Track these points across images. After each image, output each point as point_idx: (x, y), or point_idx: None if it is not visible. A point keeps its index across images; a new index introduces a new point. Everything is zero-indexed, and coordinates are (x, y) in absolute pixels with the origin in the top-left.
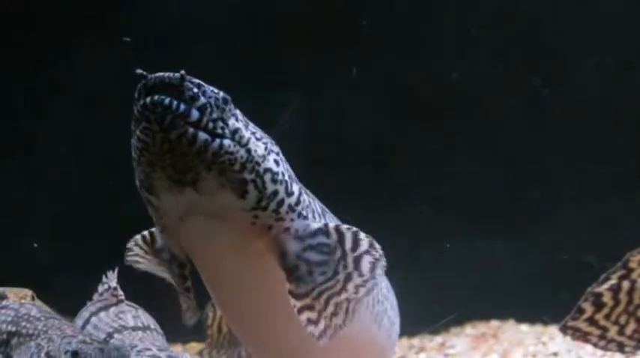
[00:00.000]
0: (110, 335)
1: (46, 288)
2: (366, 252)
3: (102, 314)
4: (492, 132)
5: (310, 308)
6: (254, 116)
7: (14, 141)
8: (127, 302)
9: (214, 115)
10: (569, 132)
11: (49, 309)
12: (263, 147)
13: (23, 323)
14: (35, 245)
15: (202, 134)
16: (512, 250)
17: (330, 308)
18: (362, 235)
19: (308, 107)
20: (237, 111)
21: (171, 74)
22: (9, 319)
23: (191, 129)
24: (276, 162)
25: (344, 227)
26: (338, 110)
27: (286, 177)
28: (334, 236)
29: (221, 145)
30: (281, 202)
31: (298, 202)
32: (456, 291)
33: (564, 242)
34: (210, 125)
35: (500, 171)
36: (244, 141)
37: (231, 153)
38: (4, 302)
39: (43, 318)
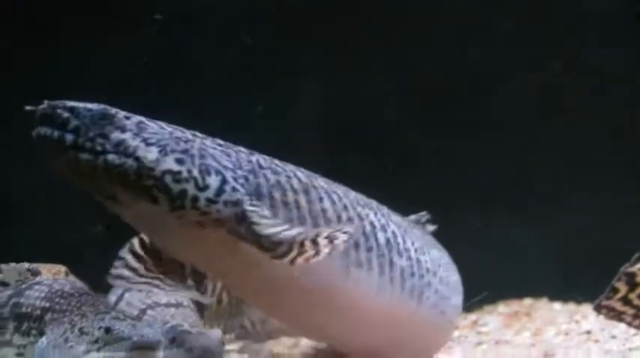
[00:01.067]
0: (143, 312)
1: (79, 264)
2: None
3: (135, 290)
4: (516, 115)
5: (301, 253)
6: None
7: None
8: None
9: (91, 134)
10: (592, 115)
11: (82, 285)
12: (156, 151)
13: (57, 299)
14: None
15: (83, 155)
16: (545, 229)
17: (324, 242)
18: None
19: (327, 95)
20: (129, 121)
21: (44, 105)
22: (42, 295)
23: (71, 152)
24: (179, 161)
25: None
26: (356, 97)
27: (195, 173)
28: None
29: (105, 161)
30: (195, 199)
31: (220, 192)
32: (489, 270)
33: (598, 221)
34: (88, 144)
35: (533, 151)
36: (130, 150)
37: (120, 165)
38: (38, 278)
39: (76, 294)
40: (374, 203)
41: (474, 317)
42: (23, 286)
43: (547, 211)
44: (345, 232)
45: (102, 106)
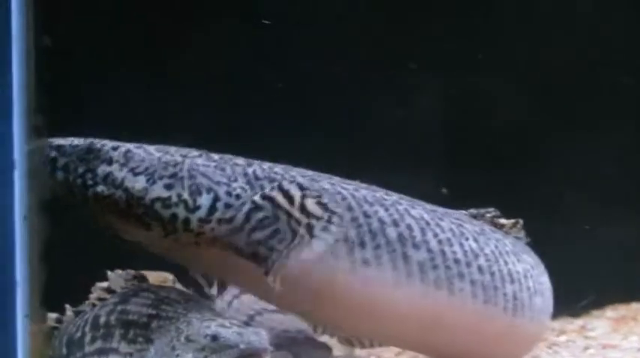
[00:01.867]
0: (251, 318)
1: (186, 273)
2: (303, 197)
3: (244, 296)
4: (635, 114)
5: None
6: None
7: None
8: None
9: (80, 170)
10: None
11: (189, 292)
12: (144, 180)
13: (163, 306)
14: None
15: (75, 189)
16: None
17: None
18: (286, 185)
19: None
20: (115, 153)
21: (30, 146)
22: (149, 302)
23: (65, 188)
24: (168, 186)
25: (268, 191)
26: (476, 93)
27: (185, 196)
28: (267, 205)
29: (95, 193)
30: (187, 221)
31: (213, 210)
32: (595, 273)
33: None
34: (79, 180)
35: (632, 149)
36: (118, 182)
37: (109, 196)
38: (144, 285)
39: (182, 301)
40: (393, 197)
41: (582, 321)
42: (129, 293)
43: None
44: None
45: (88, 141)
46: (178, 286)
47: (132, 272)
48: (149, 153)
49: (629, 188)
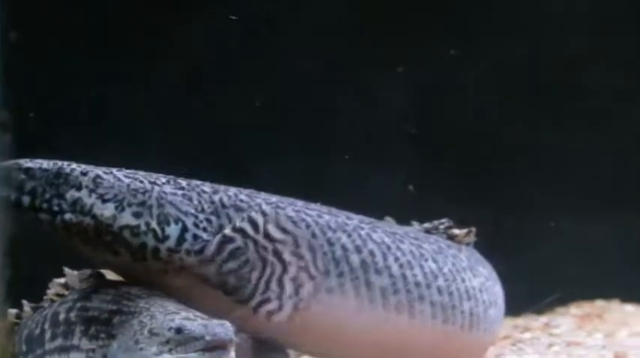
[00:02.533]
0: None
1: None
2: (266, 221)
3: None
4: (602, 111)
5: (266, 301)
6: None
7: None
8: None
9: (47, 195)
10: None
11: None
12: (113, 207)
13: (124, 302)
14: None
15: (41, 215)
16: (617, 230)
17: (289, 287)
18: (254, 215)
19: (412, 84)
20: (85, 178)
21: (1, 166)
22: (109, 298)
23: (30, 214)
24: (136, 214)
25: (238, 224)
26: (443, 88)
27: (153, 225)
28: (237, 237)
29: (63, 220)
30: (156, 250)
31: (181, 241)
32: (560, 271)
33: None
34: (45, 205)
35: (609, 151)
36: (87, 208)
37: (77, 223)
38: (103, 281)
39: (144, 296)
40: (354, 222)
41: (546, 319)
42: (89, 289)
43: (618, 214)
44: (311, 276)
45: (57, 164)
46: None
47: (88, 271)
48: (118, 179)
49: (596, 186)
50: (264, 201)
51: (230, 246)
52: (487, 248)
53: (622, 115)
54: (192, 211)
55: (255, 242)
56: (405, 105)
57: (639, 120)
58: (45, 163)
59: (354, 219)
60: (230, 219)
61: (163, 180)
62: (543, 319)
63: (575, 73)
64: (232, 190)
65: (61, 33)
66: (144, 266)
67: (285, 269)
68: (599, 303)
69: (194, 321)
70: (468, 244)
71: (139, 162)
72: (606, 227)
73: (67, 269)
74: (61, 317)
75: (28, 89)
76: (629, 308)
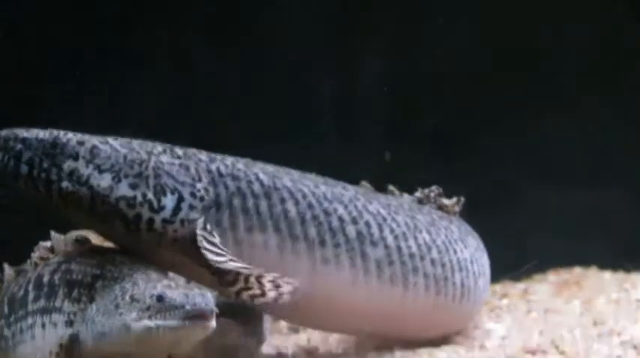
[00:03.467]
0: None
1: None
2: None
3: None
4: (575, 82)
5: (247, 288)
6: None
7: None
8: None
9: (45, 165)
10: None
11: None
12: (109, 178)
13: (108, 267)
14: None
15: (39, 184)
16: (594, 197)
17: (269, 285)
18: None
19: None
20: (82, 148)
21: None
22: (94, 262)
23: (28, 183)
24: (133, 185)
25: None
26: (419, 55)
27: (149, 196)
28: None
29: (59, 189)
30: (150, 221)
31: (177, 211)
32: (538, 239)
33: None
34: (43, 175)
35: (585, 120)
36: (83, 179)
37: (73, 193)
38: (89, 246)
39: (128, 262)
40: (349, 193)
41: (524, 285)
42: (74, 253)
43: (596, 182)
44: (289, 283)
45: (54, 134)
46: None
47: (74, 235)
48: (115, 149)
49: (574, 156)
50: (261, 171)
51: (213, 238)
52: (464, 216)
53: (592, 88)
54: (189, 181)
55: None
56: (381, 76)
57: (609, 91)
58: (41, 133)
59: (350, 190)
60: (227, 188)
61: (160, 149)
62: (521, 286)
63: (545, 45)
64: (229, 159)
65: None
66: (137, 237)
67: (262, 273)
68: (577, 270)
69: (175, 290)
70: (455, 214)
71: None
72: (584, 194)
73: (53, 233)
74: (45, 279)
75: None
76: (607, 275)
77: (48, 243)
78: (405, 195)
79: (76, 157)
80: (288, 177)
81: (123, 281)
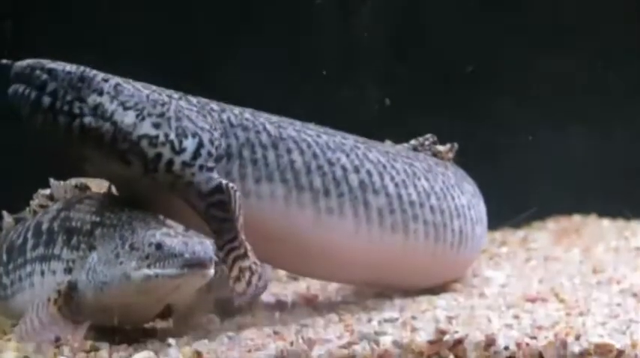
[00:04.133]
0: None
1: None
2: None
3: None
4: (575, 26)
5: (224, 262)
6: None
7: None
8: None
9: (69, 97)
10: None
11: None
12: (133, 115)
13: (107, 214)
14: None
15: (60, 117)
16: (594, 145)
17: (235, 272)
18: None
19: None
20: (106, 84)
21: (22, 64)
22: (93, 209)
23: (48, 114)
24: (156, 125)
25: (230, 185)
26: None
27: (172, 136)
28: (230, 193)
29: (81, 123)
30: (170, 162)
31: (197, 155)
32: (537, 186)
33: None
34: (66, 107)
35: (584, 63)
36: (108, 114)
37: (95, 128)
38: (88, 193)
39: (127, 210)
40: (349, 141)
41: (523, 233)
42: (73, 200)
43: (596, 128)
44: (249, 283)
45: (81, 68)
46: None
47: (74, 181)
48: (137, 88)
49: (574, 101)
50: (267, 121)
51: (222, 196)
52: (462, 163)
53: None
54: (207, 127)
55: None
56: (380, 21)
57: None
58: (68, 66)
59: (350, 139)
60: (237, 138)
61: (176, 95)
62: (520, 234)
63: None
64: (237, 109)
65: None
66: (153, 178)
67: (243, 259)
68: (577, 218)
69: (174, 238)
70: (449, 160)
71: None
72: (584, 141)
73: (52, 180)
74: (44, 226)
75: None
76: (606, 223)
77: (47, 191)
78: (388, 143)
79: (100, 92)
80: (292, 127)
81: (122, 229)
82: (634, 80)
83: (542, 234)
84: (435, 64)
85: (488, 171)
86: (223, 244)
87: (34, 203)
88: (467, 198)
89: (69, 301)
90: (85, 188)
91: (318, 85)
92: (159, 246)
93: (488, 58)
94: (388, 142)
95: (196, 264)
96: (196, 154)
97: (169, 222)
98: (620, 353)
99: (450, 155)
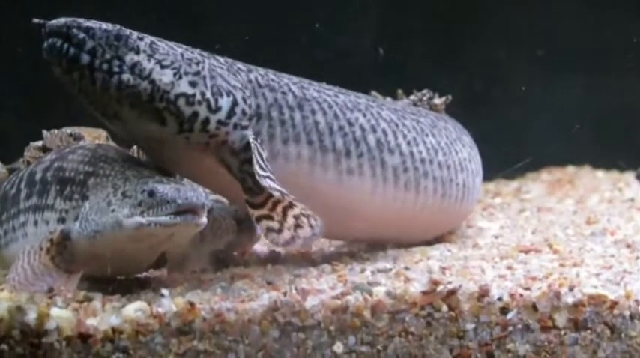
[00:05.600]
0: None
1: None
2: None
3: None
4: None
5: (268, 218)
6: None
7: None
8: None
9: (107, 56)
10: None
11: (125, 151)
12: (171, 74)
13: (100, 164)
14: None
15: (98, 74)
16: (588, 95)
17: (291, 221)
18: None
19: None
20: (142, 42)
21: (59, 22)
22: (86, 159)
23: (87, 72)
24: (192, 83)
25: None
26: None
27: (208, 95)
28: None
29: (120, 81)
30: (206, 121)
31: (231, 114)
32: (531, 136)
33: None
34: (105, 66)
35: (575, 11)
36: (146, 73)
37: (133, 86)
38: (81, 143)
39: (120, 159)
40: (362, 100)
41: (517, 184)
42: (67, 150)
43: (589, 78)
44: (312, 226)
45: (117, 27)
46: (112, 143)
47: (68, 129)
48: (171, 47)
49: (568, 51)
50: (290, 81)
51: (252, 152)
52: (457, 113)
53: None
54: (240, 86)
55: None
56: None
57: None
58: (104, 24)
59: (362, 97)
60: (266, 99)
61: (205, 54)
62: (514, 184)
63: None
64: (261, 69)
65: None
66: (186, 137)
67: (291, 207)
68: (570, 169)
69: (167, 185)
70: (441, 111)
71: None
72: (578, 90)
73: (45, 132)
74: (38, 176)
75: None
76: (600, 174)
77: (39, 143)
78: (375, 94)
79: (137, 51)
80: (312, 87)
81: (115, 178)
82: (631, 31)
83: (536, 185)
84: (429, 14)
85: (481, 122)
86: (264, 200)
87: (28, 154)
88: (467, 150)
89: (62, 251)
90: (79, 137)
91: (313, 35)
92: (151, 193)
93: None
94: (374, 93)
95: (189, 211)
96: (231, 113)
97: (163, 172)
98: (614, 304)
99: (443, 106)
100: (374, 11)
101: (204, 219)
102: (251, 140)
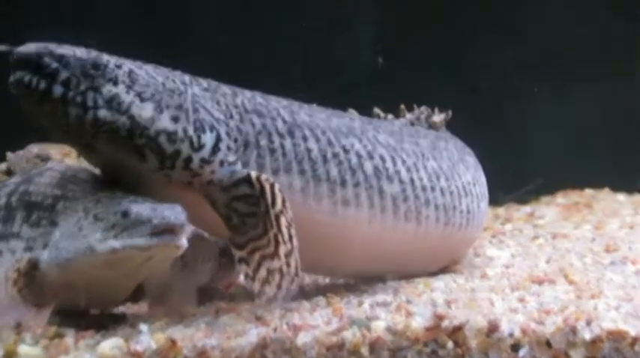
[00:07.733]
0: None
1: None
2: (281, 212)
3: None
4: None
5: (246, 262)
6: None
7: None
8: None
9: (82, 87)
10: None
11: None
12: (151, 108)
13: (70, 186)
14: None
15: (72, 109)
16: (607, 112)
17: (262, 273)
18: (277, 190)
19: None
20: (120, 71)
21: (28, 50)
22: (54, 182)
23: (59, 106)
24: (174, 118)
25: (264, 178)
26: None
27: (190, 132)
28: (257, 186)
29: (95, 117)
30: (188, 159)
31: (215, 150)
32: (545, 156)
33: None
34: (79, 98)
35: (590, 20)
36: (124, 107)
37: (111, 122)
38: (49, 164)
39: (91, 180)
40: (357, 123)
41: (529, 208)
42: (33, 172)
43: (607, 93)
44: (279, 287)
45: (93, 54)
46: (83, 160)
47: (34, 149)
48: (151, 75)
49: (583, 65)
50: (279, 105)
51: (248, 190)
52: (463, 130)
53: None
54: (223, 118)
55: (267, 211)
56: None
57: None
58: (78, 51)
59: (355, 119)
60: (254, 125)
61: (187, 79)
62: (526, 209)
63: None
64: (247, 92)
65: None
66: (166, 175)
67: (272, 258)
68: (588, 192)
69: (142, 204)
70: (441, 128)
71: None
72: (597, 109)
73: (9, 154)
74: (2, 201)
75: None
76: (621, 197)
77: (3, 165)
78: (378, 112)
79: (115, 82)
80: (302, 111)
81: (86, 201)
82: None
83: (551, 210)
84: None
85: (489, 140)
86: (246, 241)
87: None
88: (471, 173)
89: (30, 281)
90: (47, 158)
91: (310, 39)
92: (125, 214)
93: (503, 15)
94: (376, 110)
95: (166, 231)
96: (215, 149)
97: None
98: (635, 340)
99: (443, 123)
100: (373, 25)
101: (184, 240)
102: (252, 174)
